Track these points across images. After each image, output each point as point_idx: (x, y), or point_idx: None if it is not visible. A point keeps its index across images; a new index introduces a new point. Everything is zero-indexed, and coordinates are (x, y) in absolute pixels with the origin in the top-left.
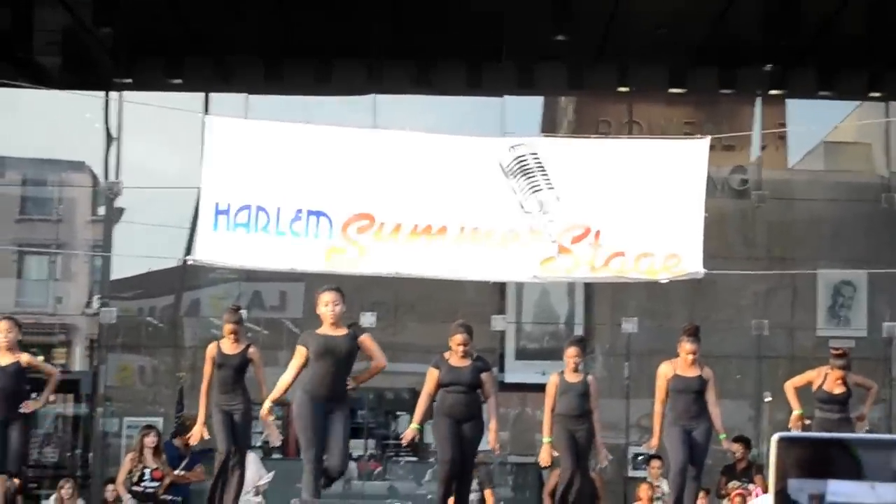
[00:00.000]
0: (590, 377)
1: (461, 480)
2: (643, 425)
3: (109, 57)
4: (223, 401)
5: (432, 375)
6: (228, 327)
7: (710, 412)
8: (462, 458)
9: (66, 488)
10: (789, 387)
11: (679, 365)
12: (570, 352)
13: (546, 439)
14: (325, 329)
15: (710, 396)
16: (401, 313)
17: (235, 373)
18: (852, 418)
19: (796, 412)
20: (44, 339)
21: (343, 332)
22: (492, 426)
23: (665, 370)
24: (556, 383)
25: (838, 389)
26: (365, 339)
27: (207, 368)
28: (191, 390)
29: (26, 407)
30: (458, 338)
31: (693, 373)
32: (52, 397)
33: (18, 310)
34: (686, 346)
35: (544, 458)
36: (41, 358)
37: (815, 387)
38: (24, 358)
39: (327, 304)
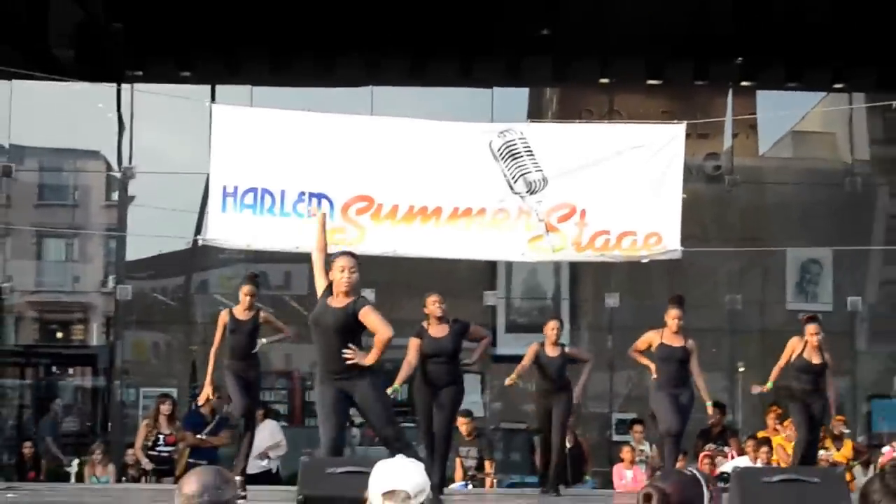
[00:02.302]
0: (568, 348)
1: (441, 440)
2: (626, 394)
3: (121, 50)
4: (238, 367)
5: (414, 344)
6: (247, 288)
7: (695, 381)
8: (440, 421)
9: (98, 452)
10: (777, 368)
11: (665, 334)
12: (550, 325)
13: (512, 378)
14: (332, 298)
15: (695, 367)
16: (397, 290)
17: (248, 338)
18: (826, 394)
19: (769, 384)
20: (63, 316)
21: (344, 303)
22: (482, 345)
23: (651, 336)
24: (535, 351)
25: (816, 359)
26: (364, 313)
27: (218, 334)
28: (202, 364)
29: None
30: (432, 298)
31: (678, 342)
32: None
33: (39, 289)
34: (672, 312)
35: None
36: None
37: (795, 355)
38: None
39: (343, 270)
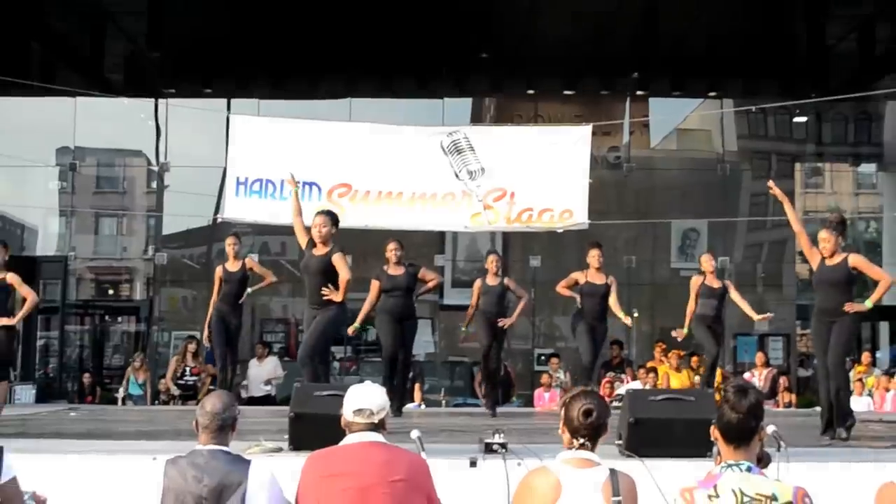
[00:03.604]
0: (506, 279)
1: (401, 367)
2: (545, 333)
3: (158, 73)
4: (224, 312)
5: (374, 285)
6: (230, 239)
7: (613, 309)
8: (401, 346)
9: (138, 360)
10: (689, 312)
11: (589, 273)
12: (490, 258)
13: (465, 325)
14: (315, 248)
15: (613, 297)
16: (369, 255)
17: (238, 286)
18: (722, 320)
19: (685, 330)
20: (114, 277)
21: (323, 252)
22: (430, 284)
23: (576, 275)
24: (479, 285)
25: (716, 283)
26: (334, 259)
27: (216, 285)
28: None
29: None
30: (391, 245)
31: (600, 280)
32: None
33: (96, 257)
34: (593, 252)
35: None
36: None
37: (698, 285)
38: (10, 277)
39: (316, 227)
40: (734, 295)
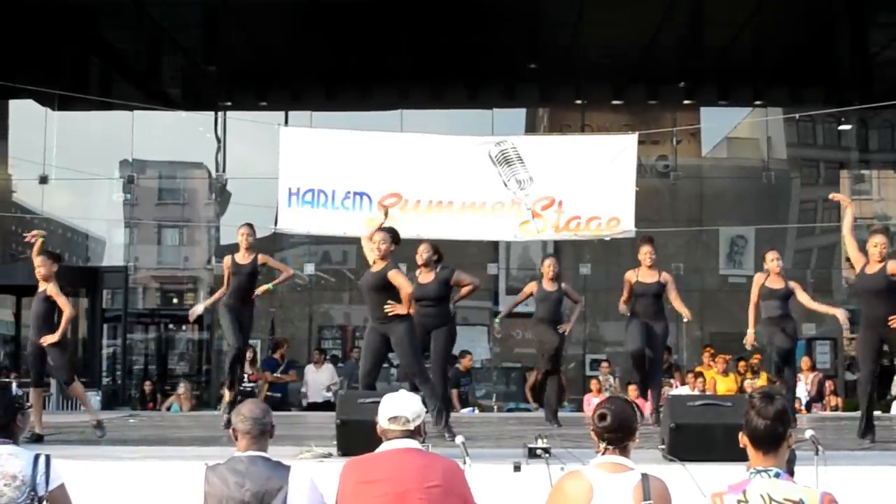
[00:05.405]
0: (564, 285)
1: (438, 378)
2: (596, 339)
3: (215, 87)
4: (234, 306)
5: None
6: (242, 229)
7: (674, 306)
8: (434, 360)
9: (184, 389)
10: (752, 312)
11: (641, 272)
12: (547, 262)
13: (497, 319)
14: (373, 265)
15: (672, 294)
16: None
17: (248, 279)
18: (793, 315)
19: (751, 331)
20: (176, 286)
21: (380, 267)
22: (464, 290)
23: (629, 276)
24: (533, 289)
25: (778, 284)
26: (391, 275)
27: (225, 276)
28: (280, 322)
29: (44, 340)
30: (421, 247)
31: (652, 279)
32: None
33: (159, 267)
34: (644, 249)
35: (496, 328)
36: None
37: (760, 287)
38: (50, 289)
39: (377, 243)
40: (802, 297)
